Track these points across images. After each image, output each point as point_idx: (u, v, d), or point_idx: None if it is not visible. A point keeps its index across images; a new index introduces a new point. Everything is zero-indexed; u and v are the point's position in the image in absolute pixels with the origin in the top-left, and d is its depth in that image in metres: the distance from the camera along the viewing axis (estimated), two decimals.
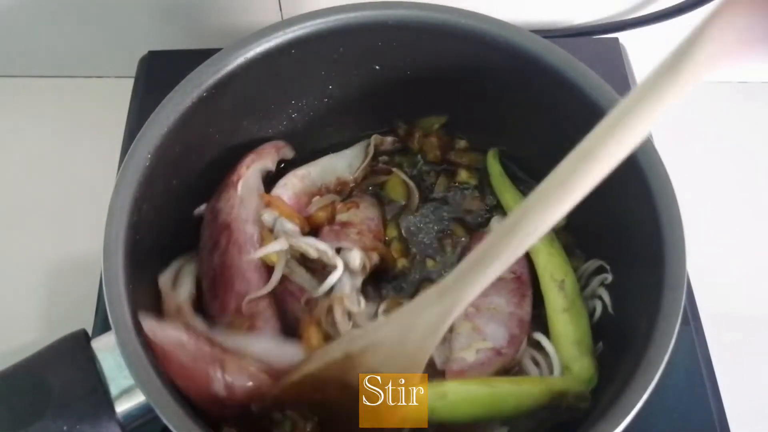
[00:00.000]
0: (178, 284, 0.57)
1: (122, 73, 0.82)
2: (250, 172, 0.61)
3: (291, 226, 0.59)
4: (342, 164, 0.67)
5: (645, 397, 0.44)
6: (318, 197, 0.64)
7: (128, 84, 0.78)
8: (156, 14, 0.78)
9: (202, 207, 0.61)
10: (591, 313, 0.58)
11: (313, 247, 0.57)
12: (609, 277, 0.58)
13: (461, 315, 0.54)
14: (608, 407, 0.45)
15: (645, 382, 0.45)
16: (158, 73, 0.77)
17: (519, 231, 0.39)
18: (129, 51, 0.79)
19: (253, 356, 0.52)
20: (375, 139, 0.68)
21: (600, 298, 0.58)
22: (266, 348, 0.53)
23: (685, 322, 0.49)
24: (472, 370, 0.54)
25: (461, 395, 0.51)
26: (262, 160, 0.62)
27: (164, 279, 0.57)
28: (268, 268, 0.58)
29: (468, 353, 0.55)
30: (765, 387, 0.65)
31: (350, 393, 0.47)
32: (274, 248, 0.57)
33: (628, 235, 0.55)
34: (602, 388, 0.52)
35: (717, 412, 0.60)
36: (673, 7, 0.76)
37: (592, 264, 0.60)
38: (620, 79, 0.76)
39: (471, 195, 0.67)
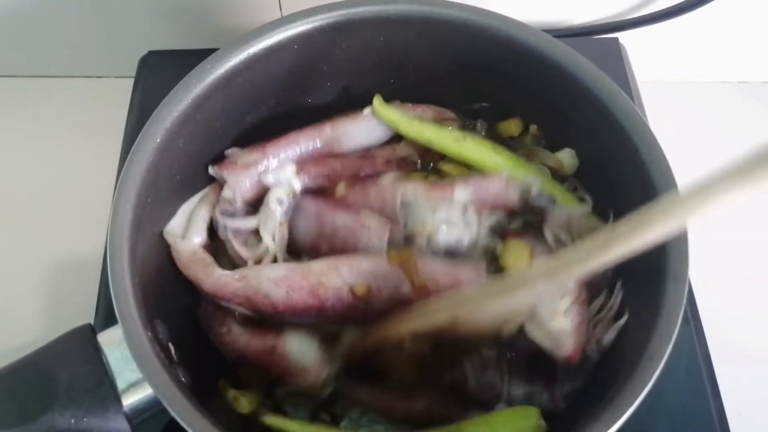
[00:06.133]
0: (190, 231, 0.58)
1: (122, 73, 0.82)
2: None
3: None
4: None
5: (648, 386, 0.44)
6: None
7: (128, 84, 0.78)
8: (156, 14, 0.78)
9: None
10: None
11: None
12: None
13: None
14: (611, 399, 0.45)
15: (649, 371, 0.45)
16: (158, 73, 0.78)
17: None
18: (129, 51, 0.80)
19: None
20: None
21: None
22: None
23: (685, 322, 0.49)
24: (578, 338, 0.53)
25: None
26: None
27: (173, 227, 0.58)
28: None
29: (560, 321, 0.53)
30: (765, 387, 0.65)
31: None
32: None
33: None
34: (604, 380, 0.52)
35: (717, 412, 0.59)
36: (673, 7, 0.76)
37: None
38: (620, 78, 0.76)
39: None
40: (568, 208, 0.58)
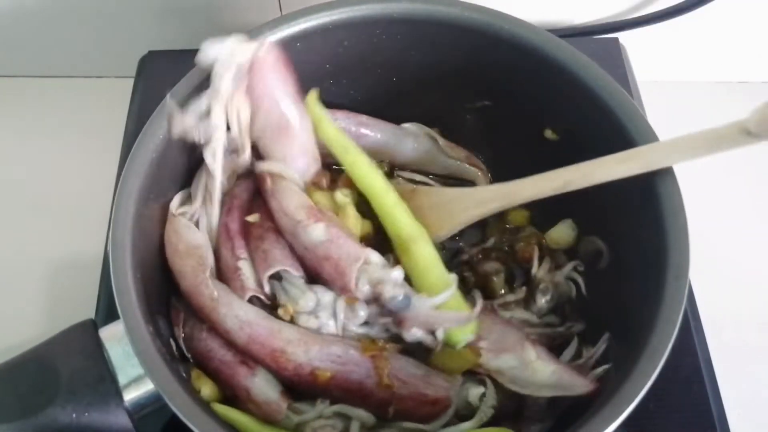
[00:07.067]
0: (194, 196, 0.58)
1: (122, 73, 0.82)
2: None
3: None
4: None
5: (648, 385, 0.44)
6: None
7: (128, 84, 0.78)
8: (156, 14, 0.78)
9: None
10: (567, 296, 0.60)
11: None
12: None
13: None
14: (611, 396, 0.45)
15: (649, 369, 0.45)
16: (158, 73, 0.78)
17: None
18: (129, 51, 0.80)
19: None
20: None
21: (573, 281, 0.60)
22: None
23: (685, 322, 0.49)
24: None
25: None
26: None
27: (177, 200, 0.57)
28: None
29: None
30: (765, 387, 0.65)
31: None
32: None
33: (632, 223, 0.55)
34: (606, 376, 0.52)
35: (717, 412, 0.60)
36: (673, 7, 0.76)
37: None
38: (620, 78, 0.76)
39: None
40: (426, 301, 0.51)
